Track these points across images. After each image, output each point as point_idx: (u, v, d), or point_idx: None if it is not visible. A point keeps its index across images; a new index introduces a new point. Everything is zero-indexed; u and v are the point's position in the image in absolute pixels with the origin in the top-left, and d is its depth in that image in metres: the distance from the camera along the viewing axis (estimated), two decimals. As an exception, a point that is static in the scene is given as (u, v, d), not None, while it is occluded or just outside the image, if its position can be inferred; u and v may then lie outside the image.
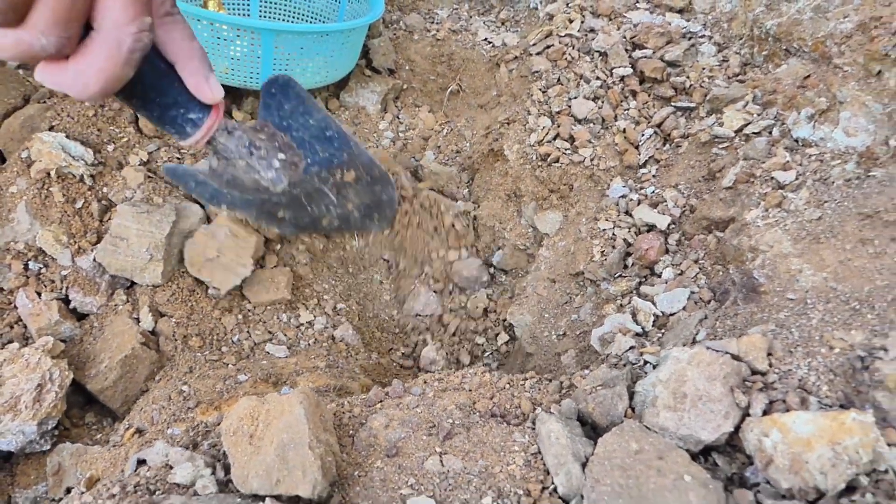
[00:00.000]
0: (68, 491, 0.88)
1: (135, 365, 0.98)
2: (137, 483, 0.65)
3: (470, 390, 0.75)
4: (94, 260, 1.06)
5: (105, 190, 1.12)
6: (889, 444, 0.60)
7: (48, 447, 0.92)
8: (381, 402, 0.74)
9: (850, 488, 0.59)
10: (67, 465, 0.91)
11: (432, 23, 1.64)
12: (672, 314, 0.88)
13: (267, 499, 0.59)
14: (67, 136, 1.11)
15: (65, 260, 1.06)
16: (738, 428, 0.66)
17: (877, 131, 0.87)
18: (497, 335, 1.19)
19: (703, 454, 0.67)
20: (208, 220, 1.13)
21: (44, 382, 0.89)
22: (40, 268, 1.05)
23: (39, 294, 1.04)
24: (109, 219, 1.09)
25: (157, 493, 0.64)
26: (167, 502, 0.62)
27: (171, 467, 0.68)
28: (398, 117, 1.50)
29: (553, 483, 0.63)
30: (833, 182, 0.85)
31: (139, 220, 1.04)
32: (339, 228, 0.94)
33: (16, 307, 1.03)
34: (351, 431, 0.71)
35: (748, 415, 0.66)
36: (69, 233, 1.07)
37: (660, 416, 0.67)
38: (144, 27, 0.50)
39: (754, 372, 0.70)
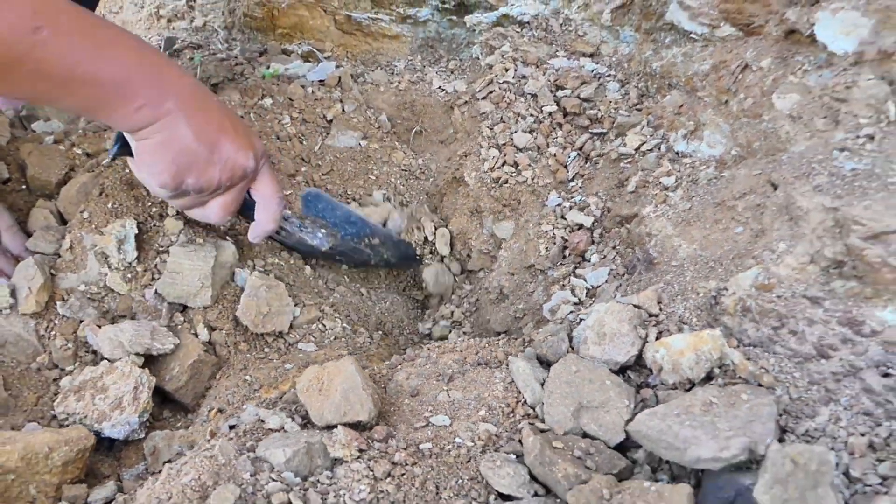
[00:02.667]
0: (166, 462, 1.17)
1: (201, 368, 1.28)
2: (243, 430, 0.96)
3: (461, 350, 1.07)
4: (156, 292, 1.35)
5: (153, 239, 1.42)
6: (731, 347, 0.94)
7: (143, 435, 1.21)
8: (400, 364, 1.06)
9: (709, 377, 0.93)
10: (161, 446, 1.20)
11: (393, 75, 1.98)
12: (598, 286, 1.23)
13: (338, 426, 0.90)
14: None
15: (132, 295, 1.35)
16: (641, 352, 1.00)
17: (726, 144, 1.23)
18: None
19: (620, 372, 1.00)
20: (240, 253, 1.43)
21: (137, 385, 1.18)
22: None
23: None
24: (162, 261, 1.38)
25: (258, 433, 0.95)
26: (268, 439, 0.92)
27: (263, 420, 0.99)
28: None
29: (524, 398, 0.96)
30: (700, 182, 1.21)
31: (189, 256, 1.34)
32: (385, 266, 1.55)
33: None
34: (383, 385, 1.03)
35: (646, 342, 1.00)
36: (132, 273, 1.36)
37: (590, 349, 1.00)
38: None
39: (650, 315, 1.04)
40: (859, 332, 0.87)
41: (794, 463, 0.69)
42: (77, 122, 1.72)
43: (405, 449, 0.88)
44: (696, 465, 0.80)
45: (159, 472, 1.17)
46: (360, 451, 0.86)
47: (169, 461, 1.18)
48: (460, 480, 0.83)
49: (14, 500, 1.03)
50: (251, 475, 0.82)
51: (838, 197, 0.93)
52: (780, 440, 0.83)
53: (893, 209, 0.86)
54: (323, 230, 1.38)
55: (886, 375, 0.84)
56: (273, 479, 0.82)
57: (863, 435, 0.81)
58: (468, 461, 0.86)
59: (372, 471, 0.83)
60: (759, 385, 0.89)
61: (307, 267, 1.50)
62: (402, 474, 0.83)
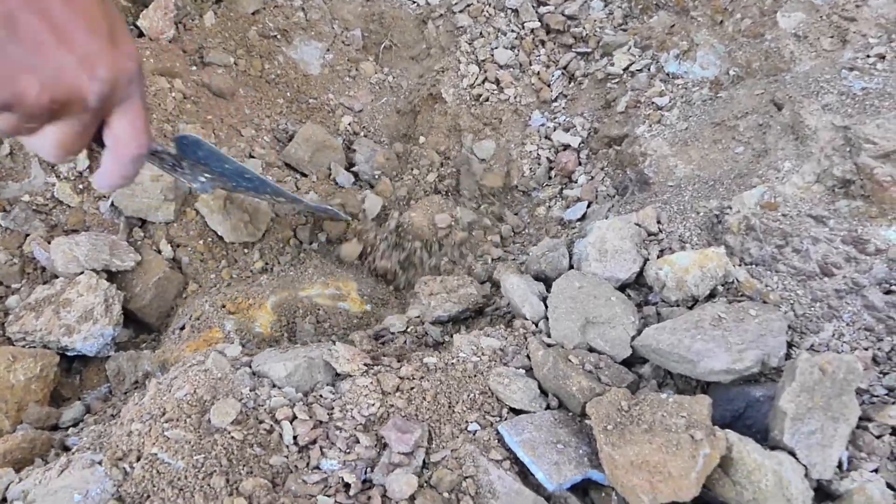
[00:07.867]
0: (134, 385, 1.10)
1: (166, 285, 1.19)
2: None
3: (455, 267, 1.03)
4: (112, 204, 1.24)
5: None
6: (734, 266, 0.93)
7: (112, 353, 1.13)
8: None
9: (712, 295, 0.93)
10: (126, 368, 1.12)
11: (357, -15, 1.85)
12: (588, 206, 1.20)
13: (337, 343, 0.86)
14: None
15: (84, 207, 1.24)
16: (642, 270, 0.98)
17: (721, 65, 1.20)
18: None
19: (620, 289, 0.99)
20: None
21: (107, 298, 1.09)
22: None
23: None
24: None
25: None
26: (262, 353, 0.87)
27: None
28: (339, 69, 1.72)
29: (522, 312, 0.93)
30: (694, 103, 1.19)
31: (150, 167, 1.23)
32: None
33: (47, 249, 1.20)
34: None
35: (648, 259, 0.98)
36: (84, 184, 1.24)
37: (591, 266, 0.98)
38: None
39: (649, 233, 1.02)
40: (864, 250, 0.88)
41: (823, 371, 0.69)
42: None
43: (410, 363, 0.84)
44: (709, 378, 0.80)
45: (126, 392, 1.10)
46: (366, 365, 0.82)
47: (136, 382, 1.11)
48: (471, 394, 0.80)
49: (-31, 421, 0.95)
50: (251, 390, 0.77)
51: (849, 116, 0.92)
52: (787, 355, 0.83)
53: (907, 128, 0.86)
54: (206, 175, 1.03)
55: (889, 292, 0.86)
56: (274, 395, 0.77)
57: (866, 349, 0.83)
58: (475, 375, 0.83)
59: (380, 385, 0.79)
60: (765, 302, 0.89)
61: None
62: (412, 388, 0.79)
